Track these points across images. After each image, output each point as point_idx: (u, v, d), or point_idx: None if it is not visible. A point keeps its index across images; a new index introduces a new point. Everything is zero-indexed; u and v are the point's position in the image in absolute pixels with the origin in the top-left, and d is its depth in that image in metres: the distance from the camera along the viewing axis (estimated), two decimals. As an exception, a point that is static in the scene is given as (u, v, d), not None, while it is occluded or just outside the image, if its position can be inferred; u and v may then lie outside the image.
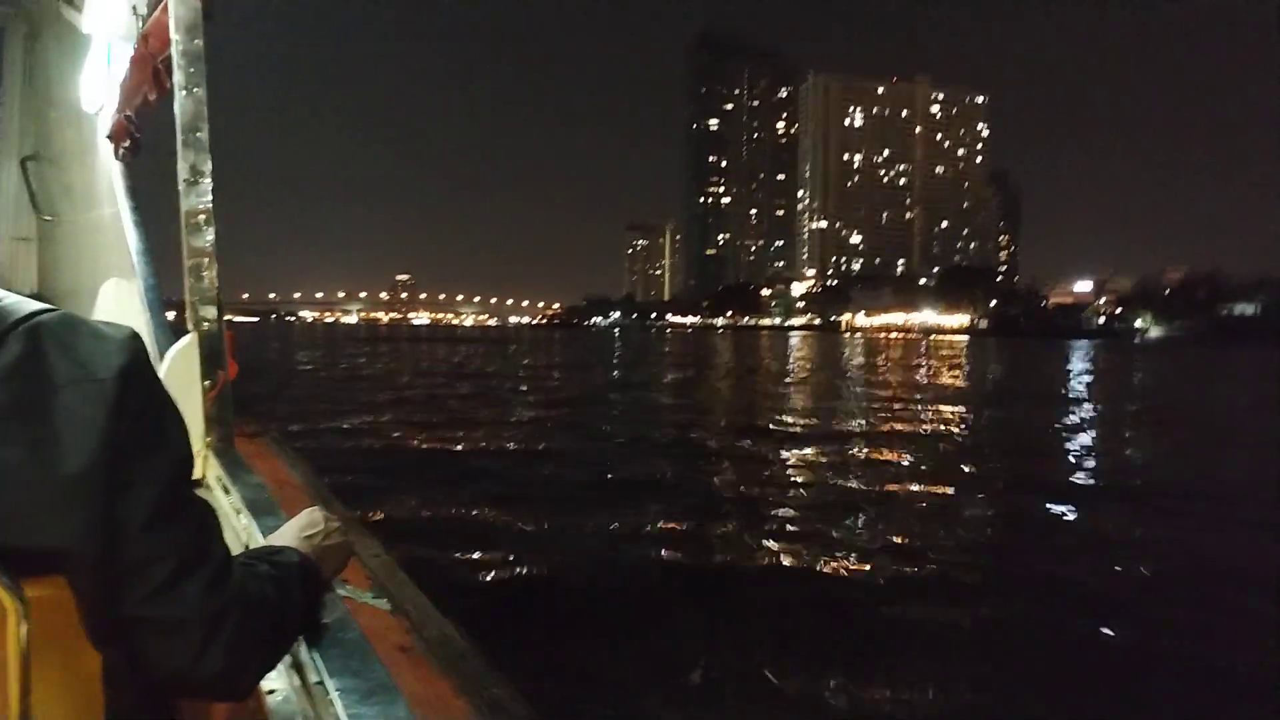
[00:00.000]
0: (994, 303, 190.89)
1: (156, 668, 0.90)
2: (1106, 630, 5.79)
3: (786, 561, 7.27)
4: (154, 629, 0.88)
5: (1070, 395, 28.27)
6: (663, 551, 7.46)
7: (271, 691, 1.38)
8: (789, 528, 8.39)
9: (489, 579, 6.41)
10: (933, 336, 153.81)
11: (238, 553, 1.06)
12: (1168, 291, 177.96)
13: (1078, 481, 11.91)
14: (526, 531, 7.86)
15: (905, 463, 12.56)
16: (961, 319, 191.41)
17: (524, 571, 6.60)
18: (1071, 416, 20.74)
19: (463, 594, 5.64)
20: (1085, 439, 16.46)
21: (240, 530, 2.09)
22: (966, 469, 12.38)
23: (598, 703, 4.50)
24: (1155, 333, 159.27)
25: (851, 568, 7.05)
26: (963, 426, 18.05)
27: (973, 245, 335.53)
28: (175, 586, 0.88)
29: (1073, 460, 13.81)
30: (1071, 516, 9.50)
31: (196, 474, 2.64)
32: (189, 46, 2.83)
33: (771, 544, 7.80)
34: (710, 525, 8.32)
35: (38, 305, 0.86)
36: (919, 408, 21.14)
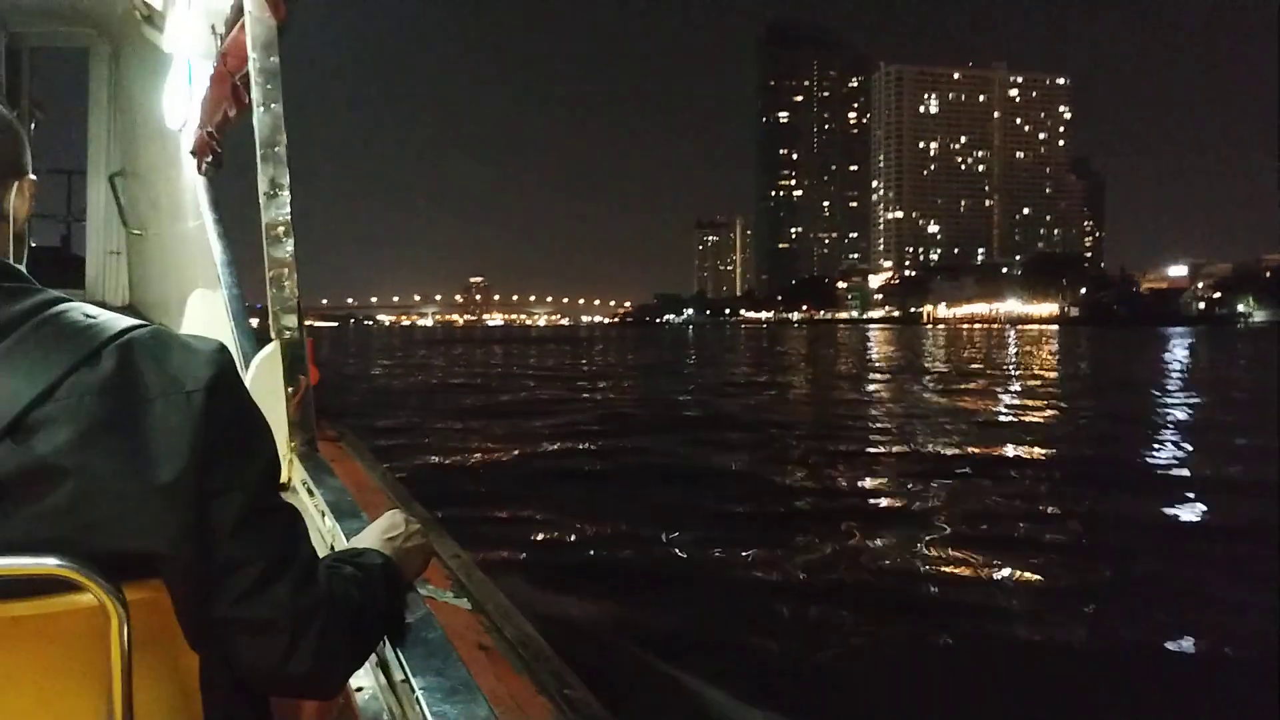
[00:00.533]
0: (1084, 290, 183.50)
1: (248, 668, 0.93)
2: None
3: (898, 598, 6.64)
4: (245, 630, 0.91)
5: (1193, 394, 24.79)
6: (729, 566, 7.30)
7: (359, 689, 1.41)
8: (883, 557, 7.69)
9: (564, 581, 6.48)
10: (1020, 326, 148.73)
11: (323, 555, 1.09)
12: (1268, 274, 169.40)
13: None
14: (603, 537, 7.96)
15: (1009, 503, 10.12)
16: (1050, 308, 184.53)
17: (600, 576, 6.72)
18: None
19: (540, 595, 5.80)
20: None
21: (325, 532, 2.16)
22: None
23: (671, 706, 4.55)
24: (1260, 317, 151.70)
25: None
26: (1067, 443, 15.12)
27: (1056, 232, 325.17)
28: (264, 589, 0.91)
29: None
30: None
31: (282, 478, 2.76)
32: (265, 64, 2.92)
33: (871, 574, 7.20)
34: (798, 549, 7.84)
35: (130, 321, 0.90)
36: (1021, 419, 18.16)
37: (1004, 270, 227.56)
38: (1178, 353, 51.30)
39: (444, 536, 2.81)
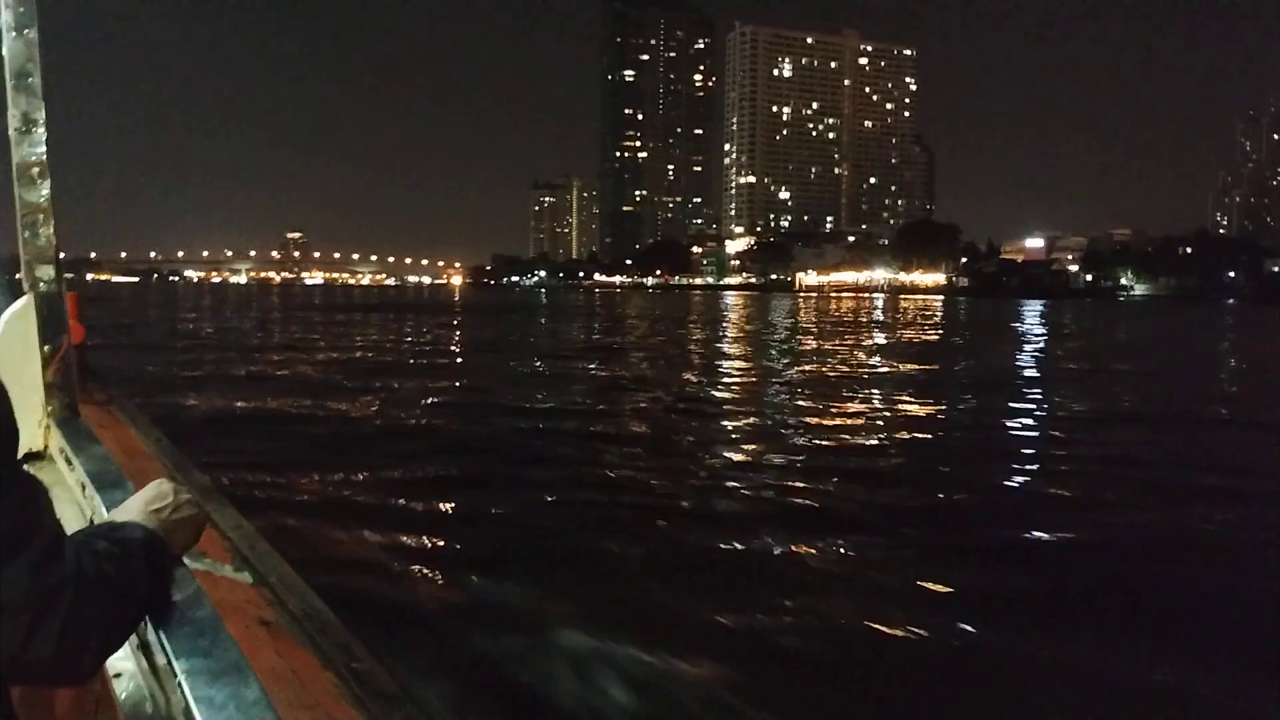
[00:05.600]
0: (964, 260, 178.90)
1: None
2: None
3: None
4: None
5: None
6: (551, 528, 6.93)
7: (118, 675, 1.30)
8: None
9: (361, 552, 6.12)
10: (903, 295, 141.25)
11: (82, 529, 1.02)
12: (1150, 249, 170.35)
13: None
14: (403, 507, 7.45)
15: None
16: (935, 277, 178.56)
17: (396, 546, 6.33)
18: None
19: (331, 566, 5.50)
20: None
21: (84, 505, 2.00)
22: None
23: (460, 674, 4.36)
24: (1140, 290, 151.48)
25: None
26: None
27: (900, 203, 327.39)
28: None
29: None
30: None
31: (37, 446, 2.75)
32: None
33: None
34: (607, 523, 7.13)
35: None
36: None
37: (851, 239, 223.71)
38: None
39: (225, 505, 2.63)
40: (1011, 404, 14.91)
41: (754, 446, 10.53)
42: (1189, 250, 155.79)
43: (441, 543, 6.48)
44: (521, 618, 4.95)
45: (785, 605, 5.35)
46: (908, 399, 15.16)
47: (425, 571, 5.82)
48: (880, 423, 12.57)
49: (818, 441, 10.89)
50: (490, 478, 8.54)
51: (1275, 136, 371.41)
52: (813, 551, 6.38)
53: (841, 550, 6.37)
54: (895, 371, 20.48)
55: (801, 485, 8.43)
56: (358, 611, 3.48)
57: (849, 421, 12.67)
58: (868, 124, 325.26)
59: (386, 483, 8.29)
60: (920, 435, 11.66)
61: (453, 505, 7.61)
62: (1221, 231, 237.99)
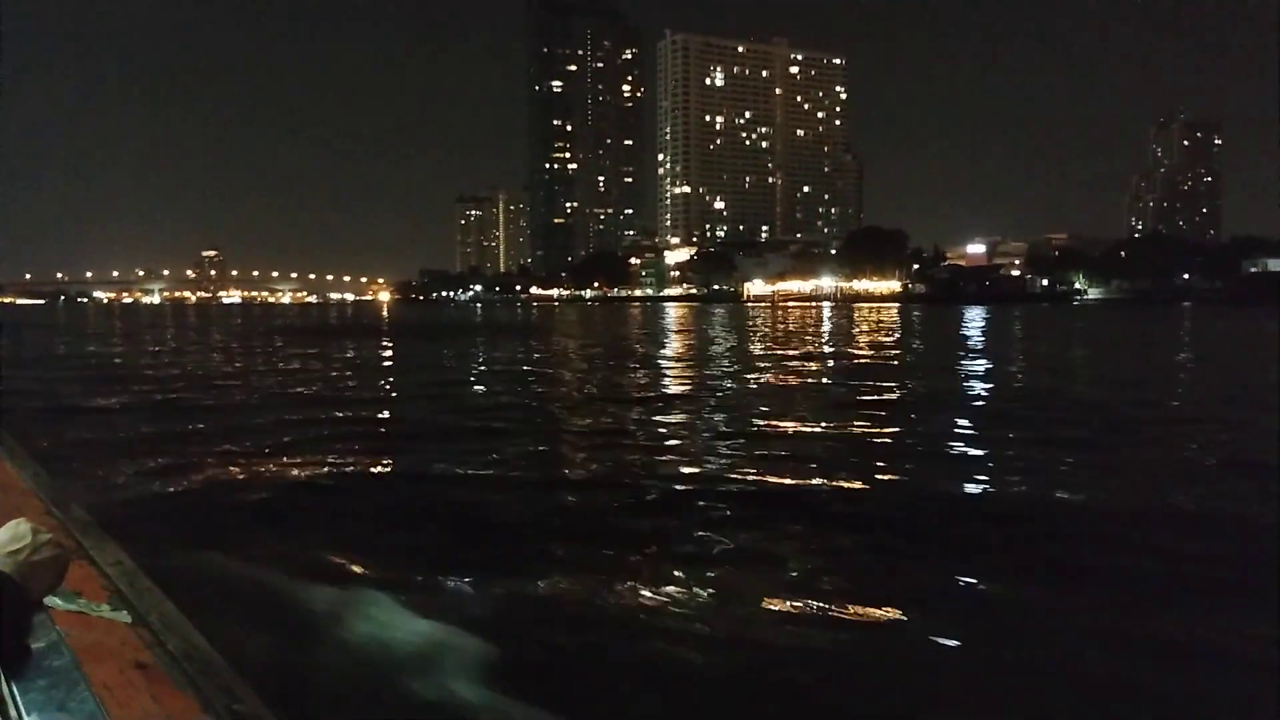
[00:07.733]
0: (916, 266, 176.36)
1: None
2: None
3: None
4: None
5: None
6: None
7: None
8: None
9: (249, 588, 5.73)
10: (857, 304, 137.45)
11: None
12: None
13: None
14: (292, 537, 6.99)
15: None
16: (888, 285, 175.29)
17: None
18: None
19: (220, 602, 5.16)
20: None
21: None
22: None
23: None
24: (1093, 294, 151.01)
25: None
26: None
27: (834, 211, 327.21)
28: None
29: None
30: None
31: None
32: None
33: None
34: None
35: None
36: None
37: (793, 248, 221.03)
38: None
39: (106, 541, 2.48)
40: None
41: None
42: (1125, 254, 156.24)
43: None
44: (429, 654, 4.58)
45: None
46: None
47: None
48: None
49: None
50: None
51: (1186, 142, 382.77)
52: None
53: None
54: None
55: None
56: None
57: None
58: (800, 133, 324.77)
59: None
60: None
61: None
62: (1136, 236, 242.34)
